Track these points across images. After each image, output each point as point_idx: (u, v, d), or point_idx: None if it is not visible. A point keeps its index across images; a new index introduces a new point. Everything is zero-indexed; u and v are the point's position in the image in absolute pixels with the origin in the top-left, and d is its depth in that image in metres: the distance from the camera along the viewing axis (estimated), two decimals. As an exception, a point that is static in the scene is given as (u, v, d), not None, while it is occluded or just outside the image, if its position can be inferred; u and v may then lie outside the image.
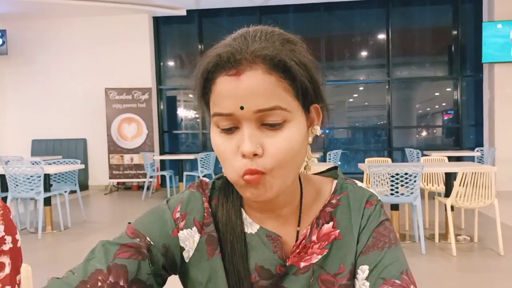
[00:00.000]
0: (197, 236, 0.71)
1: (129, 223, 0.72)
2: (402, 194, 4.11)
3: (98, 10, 8.41)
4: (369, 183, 4.63)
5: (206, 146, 9.31)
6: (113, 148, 8.58)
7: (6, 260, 0.95)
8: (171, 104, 9.91)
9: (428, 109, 10.23)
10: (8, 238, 0.97)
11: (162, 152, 9.04)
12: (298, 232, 0.72)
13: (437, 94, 10.02)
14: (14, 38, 8.92)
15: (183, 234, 0.71)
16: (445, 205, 4.02)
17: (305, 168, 0.73)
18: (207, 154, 7.67)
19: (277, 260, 0.70)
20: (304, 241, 0.70)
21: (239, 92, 0.58)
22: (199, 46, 9.23)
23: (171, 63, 9.97)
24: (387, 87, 8.88)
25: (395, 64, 8.94)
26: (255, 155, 0.59)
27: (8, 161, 6.50)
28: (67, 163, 5.92)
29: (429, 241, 4.37)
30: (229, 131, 0.61)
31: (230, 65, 0.59)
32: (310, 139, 0.68)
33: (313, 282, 0.69)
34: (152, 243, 0.68)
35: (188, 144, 10.19)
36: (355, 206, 0.72)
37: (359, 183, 0.77)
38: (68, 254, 4.38)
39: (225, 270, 0.70)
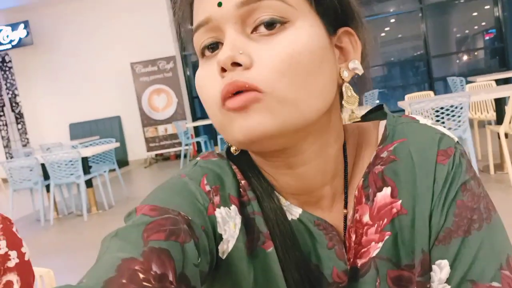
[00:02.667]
0: (238, 219, 0.48)
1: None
2: (450, 128, 3.81)
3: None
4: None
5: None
6: (147, 121, 8.60)
7: (13, 277, 0.87)
8: (197, 69, 9.75)
9: (467, 31, 9.54)
10: (13, 253, 0.89)
11: (194, 119, 8.98)
12: (345, 216, 0.50)
13: (475, 14, 9.29)
14: (37, 27, 8.93)
15: (221, 214, 0.47)
16: (498, 133, 3.70)
17: (350, 118, 0.50)
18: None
19: (335, 261, 0.48)
20: (354, 226, 0.48)
21: None
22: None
23: (192, 27, 9.72)
24: (420, 15, 8.24)
25: (426, -12, 8.26)
26: (238, 65, 0.41)
27: (49, 148, 6.62)
28: (102, 144, 5.96)
29: (484, 174, 4.08)
30: (212, 51, 0.45)
31: None
32: (346, 74, 0.47)
33: (382, 286, 0.47)
34: (190, 218, 0.44)
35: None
36: (422, 159, 0.46)
37: (422, 119, 0.50)
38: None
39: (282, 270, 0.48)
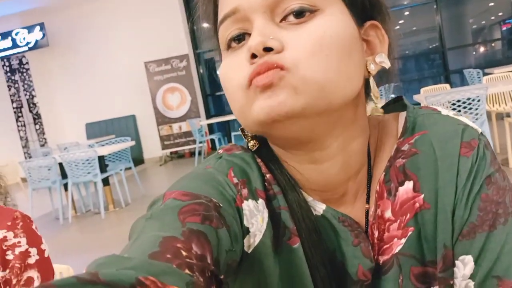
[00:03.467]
0: (266, 214, 0.47)
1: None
2: (466, 121, 3.74)
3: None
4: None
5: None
6: (161, 119, 8.66)
7: (34, 273, 0.90)
8: (210, 66, 9.79)
9: (484, 22, 9.37)
10: (33, 250, 0.92)
11: (208, 116, 9.01)
12: (367, 212, 0.49)
13: (491, 4, 9.12)
14: (53, 29, 9.04)
15: (248, 206, 0.46)
16: (517, 125, 3.63)
17: (372, 112, 0.50)
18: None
19: (360, 259, 0.47)
20: (376, 222, 0.47)
21: None
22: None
23: (204, 25, 9.72)
24: (435, 6, 8.11)
25: (440, -20, 8.13)
26: (269, 50, 0.40)
27: (66, 147, 6.72)
28: (118, 142, 6.03)
29: (503, 167, 4.00)
30: (238, 42, 0.44)
31: None
32: (372, 67, 0.46)
33: (405, 283, 0.46)
34: (221, 205, 0.43)
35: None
36: (445, 152, 0.45)
37: (443, 110, 0.49)
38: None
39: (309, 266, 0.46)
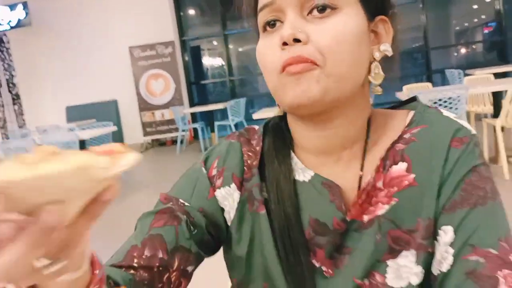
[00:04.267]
0: (236, 194, 0.62)
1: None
2: (446, 120, 3.83)
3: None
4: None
5: (234, 93, 9.14)
6: (144, 105, 8.58)
7: None
8: (196, 54, 9.71)
9: (467, 24, 9.53)
10: None
11: (191, 105, 8.96)
12: (361, 178, 0.58)
13: (475, 6, 9.28)
14: (36, 8, 8.80)
15: (220, 193, 0.63)
16: (494, 126, 3.73)
17: (373, 91, 0.59)
18: (236, 101, 7.52)
19: (335, 212, 0.57)
20: (367, 188, 0.57)
21: None
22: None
23: (191, 12, 9.65)
24: (421, 6, 8.22)
25: (428, -21, 8.22)
26: (297, 41, 0.52)
27: (45, 130, 6.59)
28: (100, 127, 5.97)
29: (479, 167, 4.11)
30: (272, 26, 0.55)
31: None
32: (377, 55, 0.57)
33: (381, 240, 0.55)
34: (187, 204, 0.61)
35: (217, 93, 10.06)
36: (437, 143, 0.55)
37: (445, 112, 0.60)
38: (112, 215, 4.44)
39: (271, 226, 0.59)
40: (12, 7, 8.65)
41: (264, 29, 0.56)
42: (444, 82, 7.28)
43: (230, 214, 0.62)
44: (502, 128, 3.76)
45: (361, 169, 0.58)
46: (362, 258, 0.55)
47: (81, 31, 8.79)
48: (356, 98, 0.57)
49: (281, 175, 0.59)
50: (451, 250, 0.50)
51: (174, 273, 0.57)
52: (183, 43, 8.93)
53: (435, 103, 3.80)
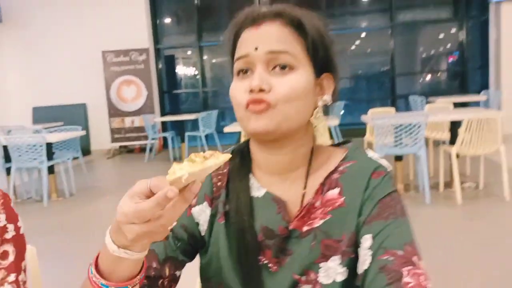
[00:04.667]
0: (208, 210, 0.78)
1: None
2: (406, 145, 4.05)
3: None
4: (372, 135, 4.56)
5: (207, 104, 9.21)
6: (114, 111, 8.53)
7: (9, 248, 0.98)
8: (170, 63, 9.75)
9: (432, 52, 9.98)
10: (10, 226, 0.99)
11: (163, 113, 8.96)
12: (303, 196, 0.73)
13: (441, 36, 9.74)
14: (8, 3, 8.67)
15: (195, 211, 0.78)
16: (450, 153, 3.96)
17: (315, 116, 0.75)
18: (208, 113, 7.59)
19: (280, 222, 0.72)
20: (308, 205, 0.72)
21: (256, 37, 0.70)
22: (195, 1, 8.95)
23: (167, 21, 9.71)
24: (389, 32, 8.59)
25: (398, 8, 8.62)
26: (262, 90, 0.67)
27: (10, 130, 6.44)
28: (68, 131, 5.88)
29: (434, 190, 4.34)
30: (244, 73, 0.71)
31: (253, 21, 0.71)
32: (320, 103, 0.74)
33: (315, 246, 0.70)
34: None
35: (189, 104, 10.09)
36: (362, 175, 0.72)
37: (370, 153, 0.76)
38: (75, 220, 4.42)
39: (227, 234, 0.74)
40: (-19, 1, 8.45)
41: (238, 73, 0.72)
42: (408, 107, 7.62)
43: (204, 227, 0.77)
44: (457, 155, 4.00)
45: (305, 188, 0.74)
46: (300, 259, 0.71)
47: (54, 30, 8.69)
48: (301, 133, 0.73)
49: (241, 192, 0.75)
50: (370, 252, 0.65)
51: (167, 279, 0.74)
52: (157, 51, 8.97)
53: (396, 127, 4.01)
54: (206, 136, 7.37)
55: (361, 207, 0.70)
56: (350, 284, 0.70)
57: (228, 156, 0.55)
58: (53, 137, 5.14)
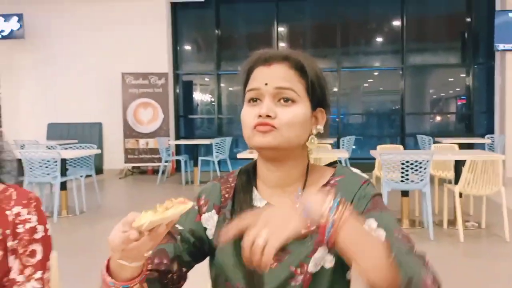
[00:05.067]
0: (215, 217, 0.94)
1: None
2: (412, 181, 4.22)
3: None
4: (380, 170, 4.74)
5: (221, 131, 9.38)
6: (129, 132, 8.72)
7: (38, 247, 1.08)
8: (187, 89, 9.97)
9: (441, 94, 10.23)
10: (40, 228, 1.09)
11: (177, 137, 9.14)
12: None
13: (449, 80, 10.01)
14: (31, 22, 8.89)
15: (204, 217, 0.94)
16: (454, 192, 4.12)
17: (308, 152, 0.93)
18: (222, 139, 7.76)
19: None
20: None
21: (266, 74, 0.87)
22: (216, 31, 9.29)
23: (187, 48, 10.01)
24: (401, 73, 8.89)
25: (409, 50, 8.94)
26: (269, 116, 0.84)
27: (24, 145, 6.44)
28: (83, 148, 5.94)
29: (438, 227, 4.48)
30: (254, 102, 0.87)
31: (265, 61, 0.88)
32: (314, 131, 0.90)
33: (310, 244, 0.85)
34: (181, 228, 0.92)
35: (204, 129, 10.30)
36: (351, 186, 0.89)
37: (354, 170, 0.96)
38: (84, 238, 4.48)
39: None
40: (6, 17, 8.73)
41: (249, 101, 0.89)
42: (416, 145, 7.81)
43: (211, 231, 0.93)
44: (461, 194, 4.15)
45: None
46: (297, 256, 0.85)
47: (74, 50, 8.90)
48: (298, 153, 0.90)
49: (244, 202, 0.91)
50: (381, 229, 0.81)
51: (175, 274, 0.88)
52: (176, 76, 9.24)
53: (403, 164, 4.19)
54: (219, 162, 7.52)
55: (355, 205, 0.85)
56: (339, 271, 0.85)
57: (186, 206, 0.71)
58: (69, 154, 5.25)
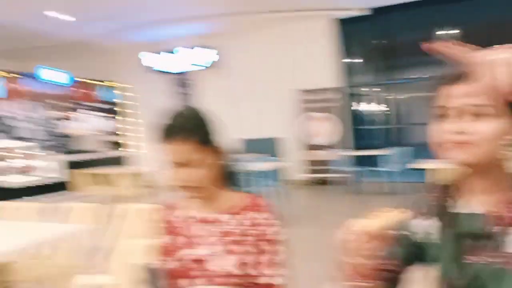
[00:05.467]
0: (424, 223, 0.98)
1: None
2: None
3: (283, 20, 9.18)
4: None
5: (393, 141, 9.22)
6: (305, 145, 9.23)
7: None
8: (358, 100, 10.08)
9: None
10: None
11: (353, 148, 9.23)
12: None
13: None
14: (220, 52, 10.24)
15: (413, 223, 0.99)
16: None
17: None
18: (399, 149, 7.60)
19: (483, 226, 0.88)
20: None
21: (462, 93, 0.86)
22: (383, 41, 9.30)
23: (357, 61, 10.10)
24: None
25: None
26: (461, 133, 0.85)
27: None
28: (271, 161, 6.59)
29: None
30: (443, 117, 0.88)
31: (456, 79, 0.87)
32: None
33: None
34: (398, 232, 0.97)
35: (377, 139, 10.14)
36: None
37: None
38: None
39: (444, 237, 0.93)
40: (208, 50, 10.23)
41: (439, 116, 0.89)
42: None
43: (420, 235, 0.98)
44: None
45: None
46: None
47: (257, 74, 9.84)
48: (493, 166, 0.88)
49: (448, 208, 0.94)
50: None
51: (399, 274, 1.01)
52: (348, 90, 9.45)
53: None
54: (396, 173, 7.39)
55: None
56: None
57: (397, 214, 0.85)
58: (263, 166, 5.94)
